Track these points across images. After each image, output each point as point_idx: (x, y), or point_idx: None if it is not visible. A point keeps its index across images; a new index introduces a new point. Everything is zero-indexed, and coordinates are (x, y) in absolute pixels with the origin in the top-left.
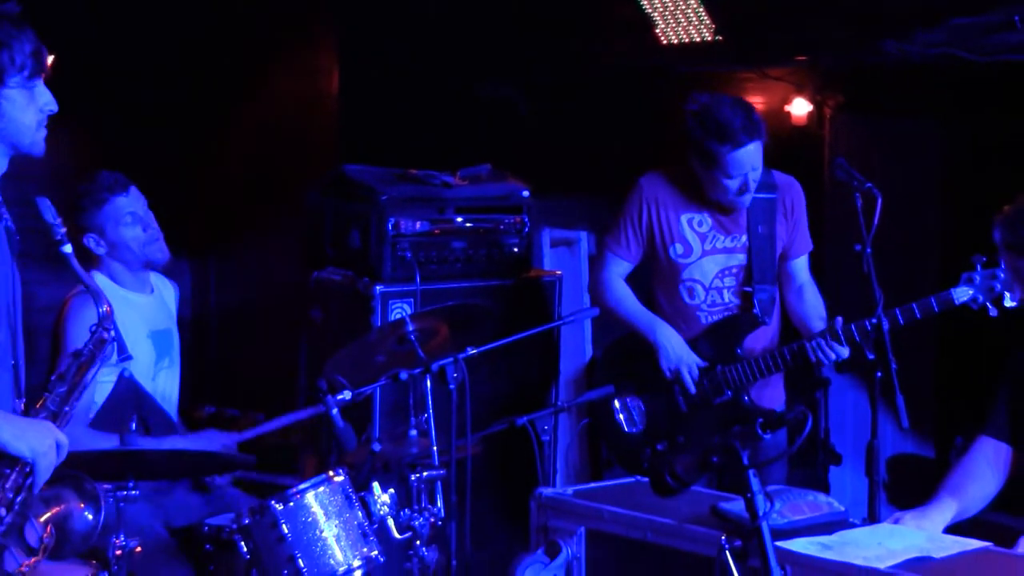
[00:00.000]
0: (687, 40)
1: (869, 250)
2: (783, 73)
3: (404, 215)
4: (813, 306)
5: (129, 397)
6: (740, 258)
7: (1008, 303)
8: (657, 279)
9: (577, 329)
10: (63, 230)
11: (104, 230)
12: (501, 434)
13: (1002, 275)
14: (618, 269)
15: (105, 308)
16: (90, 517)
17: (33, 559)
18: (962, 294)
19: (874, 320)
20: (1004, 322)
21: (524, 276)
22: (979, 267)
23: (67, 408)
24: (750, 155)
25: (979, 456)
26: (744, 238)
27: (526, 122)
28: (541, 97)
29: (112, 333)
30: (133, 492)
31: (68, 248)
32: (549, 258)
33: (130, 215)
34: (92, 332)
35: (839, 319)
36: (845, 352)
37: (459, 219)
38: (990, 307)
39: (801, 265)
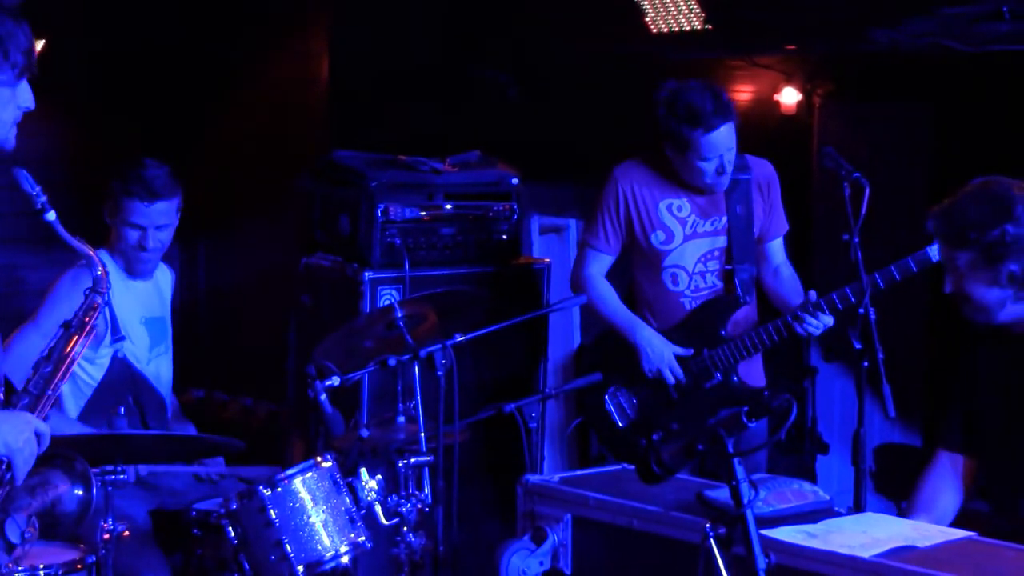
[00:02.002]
0: (676, 28)
1: (857, 239)
2: (772, 62)
3: (393, 201)
4: (791, 285)
5: (124, 379)
6: (721, 240)
7: None
8: (639, 267)
9: (565, 316)
10: (43, 198)
11: (116, 217)
12: (489, 421)
13: None
14: (599, 265)
15: (100, 271)
16: (80, 493)
17: (14, 558)
18: (937, 251)
19: (854, 286)
20: None
21: (513, 263)
22: None
23: (51, 391)
24: (723, 136)
25: (939, 472)
26: (724, 219)
27: (516, 109)
28: (531, 84)
29: (105, 297)
30: (122, 476)
31: (52, 215)
32: (538, 245)
33: (136, 223)
34: (85, 296)
35: (812, 292)
36: (829, 320)
37: (448, 205)
38: None
39: (777, 246)
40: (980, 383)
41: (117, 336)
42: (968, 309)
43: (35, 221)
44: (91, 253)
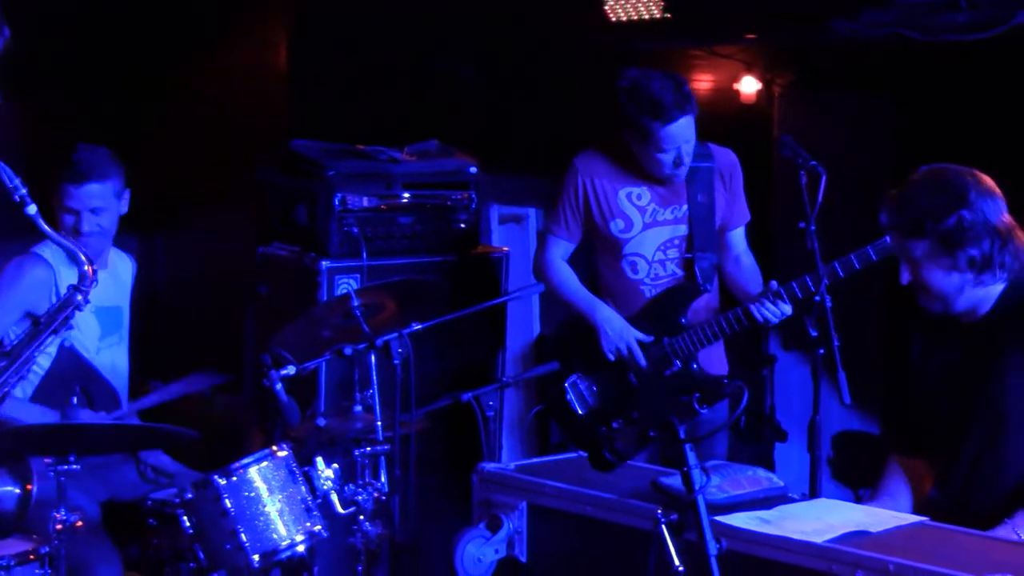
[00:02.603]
0: (636, 17)
1: (813, 227)
2: (732, 51)
3: (351, 191)
4: (751, 274)
5: (72, 369)
6: (682, 229)
7: None
8: (600, 255)
9: (525, 305)
10: (23, 191)
11: (55, 203)
12: (446, 410)
13: None
14: (559, 251)
15: (87, 268)
16: (16, 492)
17: None
18: None
19: (814, 275)
20: None
21: (471, 252)
22: None
23: (6, 389)
24: (682, 129)
25: (892, 477)
26: (684, 208)
27: (475, 98)
28: (491, 73)
29: (87, 296)
30: (74, 467)
31: (32, 209)
32: (498, 234)
33: (69, 206)
34: (69, 291)
35: (773, 281)
36: (788, 309)
37: (406, 195)
38: None
39: (739, 236)
40: (933, 380)
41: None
42: (925, 299)
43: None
44: (75, 248)
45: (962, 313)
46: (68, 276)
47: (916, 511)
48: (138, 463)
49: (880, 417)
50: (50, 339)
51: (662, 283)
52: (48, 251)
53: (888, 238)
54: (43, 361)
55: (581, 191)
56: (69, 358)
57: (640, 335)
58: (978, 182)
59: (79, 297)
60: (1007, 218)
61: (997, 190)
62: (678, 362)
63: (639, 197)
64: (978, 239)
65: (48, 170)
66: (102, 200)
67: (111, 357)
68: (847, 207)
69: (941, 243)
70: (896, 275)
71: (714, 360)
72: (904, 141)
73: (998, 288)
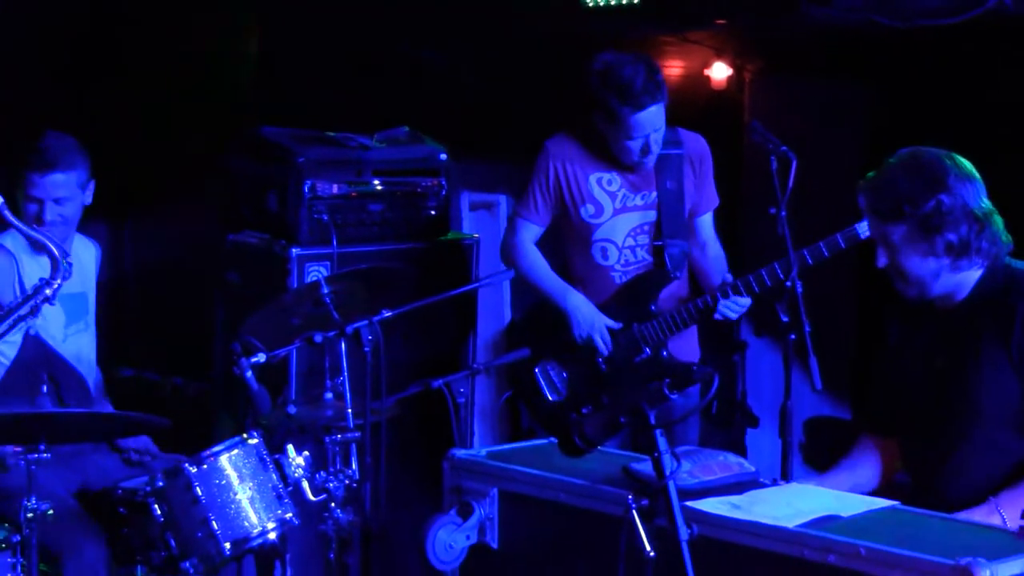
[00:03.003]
0: (608, 3)
1: (784, 213)
2: (703, 37)
3: (321, 178)
4: (716, 262)
5: (38, 357)
6: (651, 215)
7: None
8: (569, 241)
9: (496, 292)
10: None
11: (18, 191)
12: (417, 397)
13: None
14: (528, 234)
15: (61, 259)
16: None
17: None
18: (866, 228)
19: (782, 262)
20: None
21: (442, 239)
22: None
23: None
24: (652, 117)
25: (859, 451)
26: (654, 194)
27: (446, 85)
28: (461, 60)
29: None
30: (44, 455)
31: None
32: (468, 221)
33: (32, 195)
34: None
35: (728, 275)
36: (747, 301)
37: (376, 182)
38: None
39: (707, 222)
40: (909, 365)
41: None
42: (901, 284)
43: None
44: (47, 242)
45: (938, 298)
46: (30, 265)
47: (885, 494)
48: (120, 451)
49: (851, 403)
50: (14, 328)
51: (632, 269)
52: (10, 240)
53: (857, 227)
54: (8, 351)
55: (552, 175)
56: (35, 347)
57: (610, 322)
58: (957, 166)
59: (48, 291)
60: (985, 203)
61: (976, 174)
62: (648, 349)
63: (609, 183)
64: (956, 224)
65: (12, 158)
66: (66, 190)
67: (77, 345)
68: (817, 193)
69: (919, 227)
70: (868, 261)
71: (685, 347)
72: (876, 127)
73: (975, 274)
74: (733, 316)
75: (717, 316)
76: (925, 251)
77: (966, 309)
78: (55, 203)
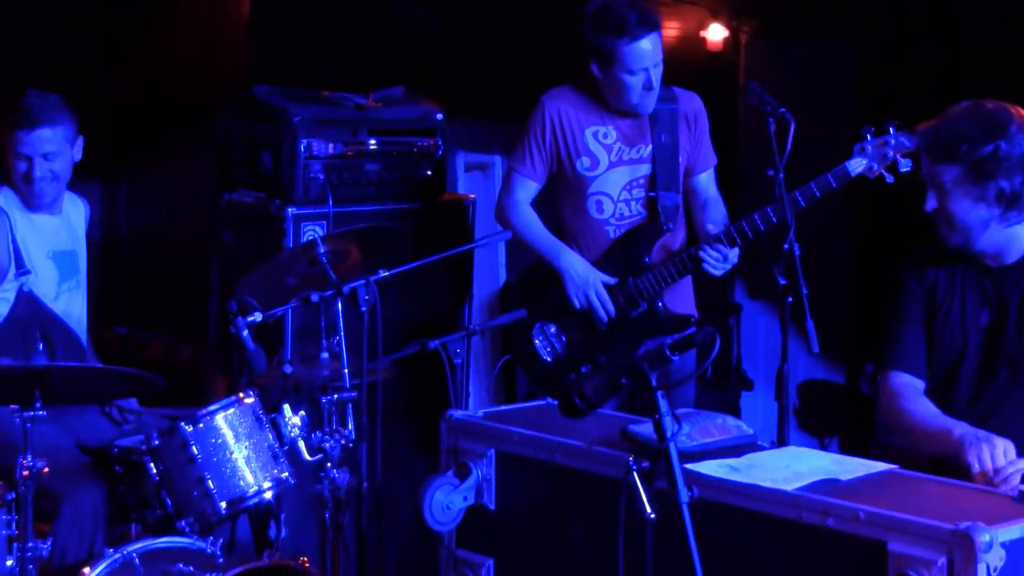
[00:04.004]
0: None
1: (782, 175)
2: None
3: (316, 137)
4: (716, 220)
5: (32, 314)
6: (645, 168)
7: (903, 168)
8: (563, 195)
9: (491, 253)
10: None
11: (6, 152)
12: (414, 357)
13: (893, 140)
14: (525, 191)
15: None
16: None
17: None
18: (856, 164)
19: (775, 206)
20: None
21: (437, 199)
22: (869, 136)
23: None
24: (648, 47)
25: (904, 389)
26: (649, 148)
27: (441, 45)
28: (455, 19)
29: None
30: (40, 412)
31: None
32: (463, 182)
33: (21, 152)
34: None
35: (710, 225)
36: (732, 255)
37: (372, 141)
38: (886, 175)
39: (706, 180)
40: (945, 319)
41: (22, 270)
42: (947, 230)
43: None
44: None
45: (988, 256)
46: (23, 223)
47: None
48: (103, 405)
49: (846, 367)
50: None
51: (626, 223)
52: (2, 198)
53: (847, 164)
54: (1, 308)
55: (548, 128)
56: (28, 304)
57: (605, 277)
58: (1021, 118)
59: None
60: None
61: None
62: (643, 303)
63: (605, 136)
64: (1011, 172)
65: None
66: (54, 145)
67: (69, 302)
68: (811, 156)
69: (973, 170)
70: (861, 225)
71: (680, 299)
72: (871, 88)
73: None
74: (715, 271)
75: (706, 269)
76: (976, 196)
77: (1019, 269)
78: (44, 159)
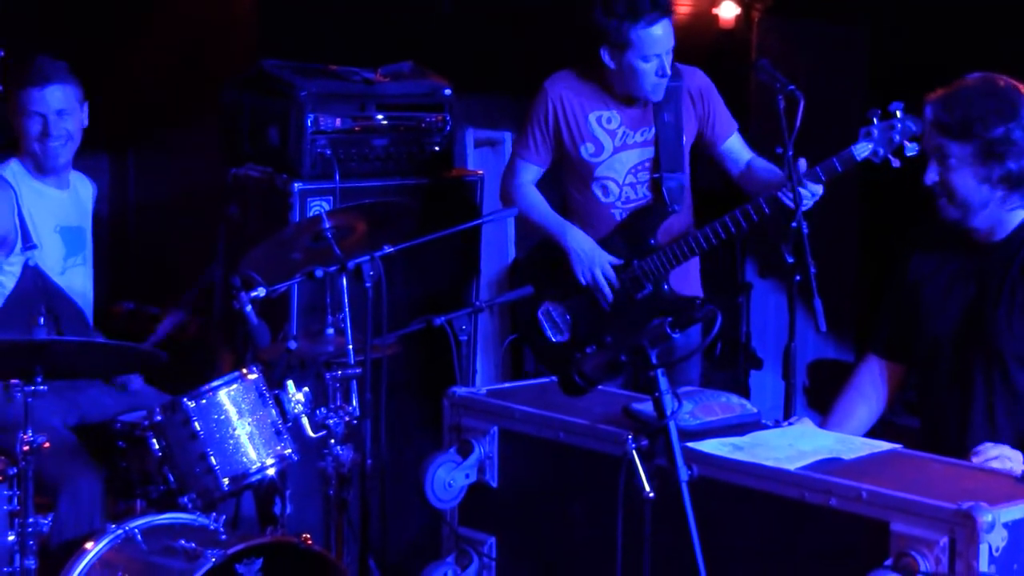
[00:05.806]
0: None
1: (791, 152)
2: None
3: (324, 112)
4: (765, 172)
5: (37, 289)
6: (651, 151)
7: (909, 153)
8: (569, 180)
9: (500, 231)
10: None
11: (17, 115)
12: (420, 334)
13: (899, 125)
14: (528, 175)
15: None
16: None
17: None
18: (862, 149)
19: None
20: None
21: (446, 175)
22: (876, 120)
23: None
24: (662, 32)
25: (863, 377)
26: (652, 131)
27: (450, 20)
28: None
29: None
30: (41, 388)
31: None
32: (472, 158)
33: (35, 110)
34: None
35: (802, 159)
36: (819, 189)
37: (380, 116)
38: (892, 159)
39: (736, 144)
40: (928, 293)
41: (28, 244)
42: (944, 203)
43: None
44: None
45: (977, 231)
46: (30, 195)
47: (888, 436)
48: (106, 380)
49: (855, 345)
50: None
51: (632, 206)
52: (9, 171)
53: (852, 148)
54: (7, 281)
55: (551, 114)
56: (34, 278)
57: (611, 258)
58: None
59: None
60: None
61: None
62: (649, 284)
63: (609, 121)
64: (1019, 156)
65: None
66: (66, 102)
67: (75, 278)
68: (822, 133)
69: (982, 151)
70: (870, 204)
71: (686, 282)
72: (883, 67)
73: (1021, 215)
74: (806, 203)
75: (787, 203)
76: (982, 176)
77: (1005, 248)
78: (58, 116)
